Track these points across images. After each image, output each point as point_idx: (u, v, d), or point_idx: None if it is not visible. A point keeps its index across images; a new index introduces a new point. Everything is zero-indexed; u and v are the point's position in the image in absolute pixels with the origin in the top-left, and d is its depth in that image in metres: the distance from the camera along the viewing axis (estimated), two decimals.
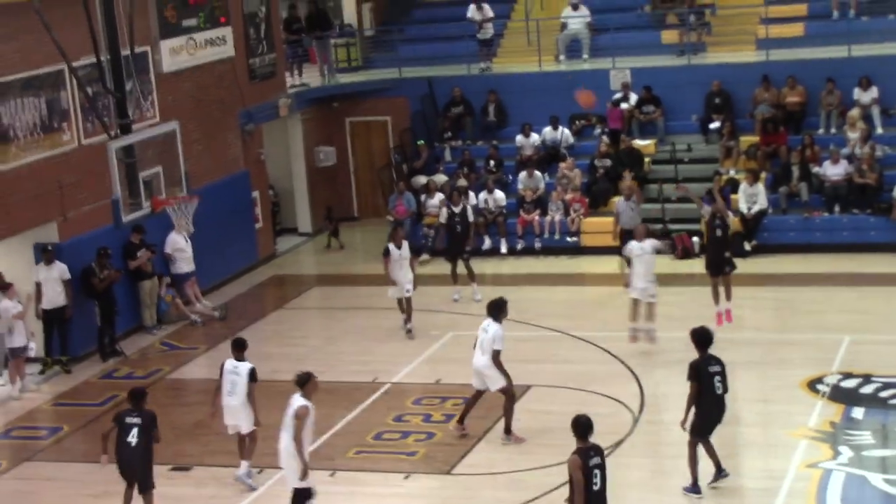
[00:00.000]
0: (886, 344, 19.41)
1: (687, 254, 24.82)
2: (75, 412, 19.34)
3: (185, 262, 23.55)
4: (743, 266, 23.96)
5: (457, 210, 23.04)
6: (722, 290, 20.12)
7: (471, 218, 23.25)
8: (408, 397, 18.69)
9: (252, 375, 15.73)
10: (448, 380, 19.21)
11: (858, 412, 16.65)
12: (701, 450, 14.61)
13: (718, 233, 20.15)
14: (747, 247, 24.57)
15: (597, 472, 12.35)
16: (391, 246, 21.42)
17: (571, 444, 16.20)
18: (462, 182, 26.73)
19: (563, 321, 21.47)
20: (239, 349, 15.91)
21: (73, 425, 18.82)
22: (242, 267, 26.22)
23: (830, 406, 16.98)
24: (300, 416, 13.97)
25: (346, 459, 16.70)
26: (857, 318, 20.55)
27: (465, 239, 23.06)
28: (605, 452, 15.86)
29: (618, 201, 23.80)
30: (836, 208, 24.80)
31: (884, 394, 17.25)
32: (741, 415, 16.94)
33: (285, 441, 14.16)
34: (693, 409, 14.48)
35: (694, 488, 14.61)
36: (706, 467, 14.75)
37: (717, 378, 14.50)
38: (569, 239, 26.02)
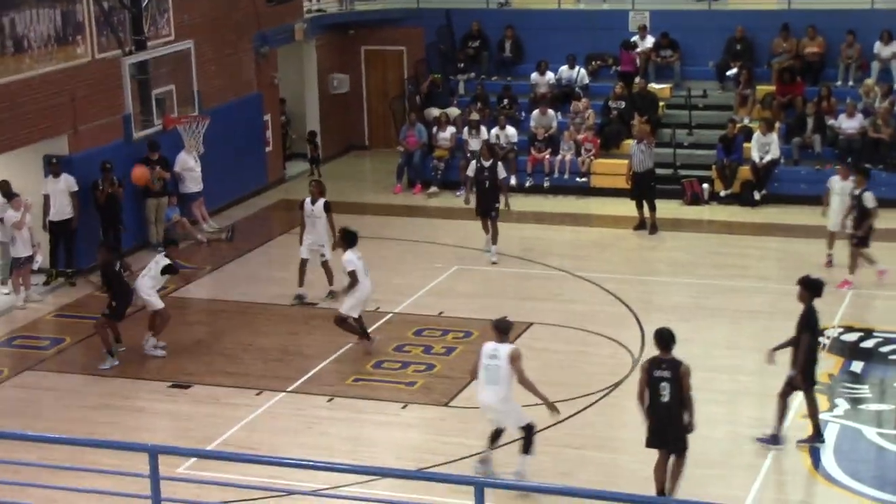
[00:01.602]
0: (889, 299, 19.42)
1: (696, 200, 24.76)
2: (78, 324, 19.42)
3: (193, 182, 23.55)
4: (752, 216, 23.99)
5: (486, 164, 21.45)
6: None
7: (501, 174, 21.51)
8: (409, 328, 18.74)
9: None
10: (450, 313, 19.24)
11: (857, 366, 16.69)
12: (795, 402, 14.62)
13: None
14: (757, 196, 24.51)
15: (664, 385, 12.64)
16: (306, 200, 20.05)
17: (569, 382, 16.35)
18: (474, 116, 26.65)
19: (568, 261, 21.48)
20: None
21: (76, 337, 18.91)
22: (251, 190, 26.20)
23: (830, 359, 17.00)
24: (517, 357, 13.52)
25: (345, 386, 16.78)
26: (860, 272, 20.52)
27: (495, 195, 21.47)
28: (604, 393, 16.06)
29: (631, 144, 23.72)
30: (849, 162, 24.69)
31: (884, 349, 17.28)
32: (742, 364, 16.98)
33: (499, 394, 13.50)
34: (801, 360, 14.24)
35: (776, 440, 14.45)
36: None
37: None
38: (578, 179, 25.95)
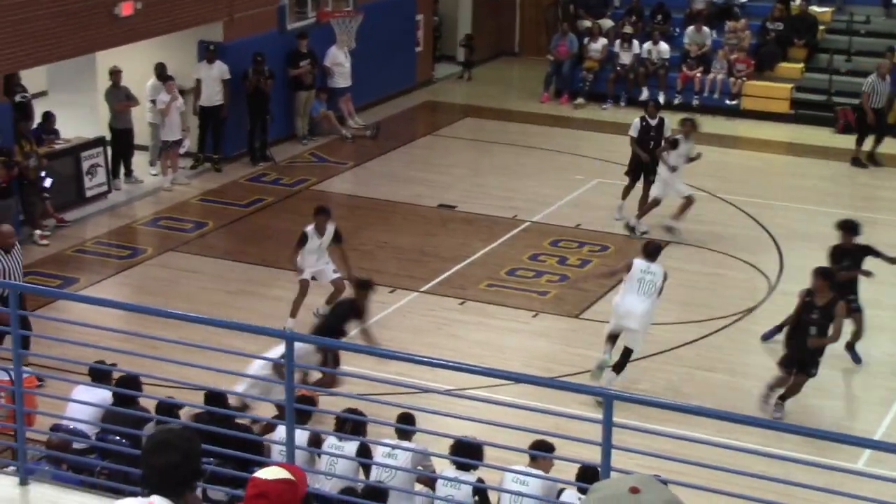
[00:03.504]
0: None
1: (849, 129, 24.15)
2: (221, 210, 19.81)
3: (342, 78, 23.69)
4: None
5: (653, 123, 19.23)
6: None
7: (667, 131, 19.22)
8: (546, 238, 18.73)
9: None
10: (588, 226, 19.18)
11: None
12: None
13: None
14: None
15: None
16: (310, 231, 15.62)
17: (702, 303, 16.22)
18: (627, 29, 26.29)
19: (711, 182, 21.17)
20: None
21: (218, 222, 19.30)
22: (398, 89, 26.26)
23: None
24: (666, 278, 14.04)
25: (478, 291, 16.88)
26: None
27: (656, 156, 18.98)
28: (737, 317, 15.91)
29: (871, 78, 22.67)
30: None
31: None
32: (881, 298, 16.68)
33: (648, 306, 13.87)
34: None
35: None
36: None
37: None
38: (728, 102, 25.48)
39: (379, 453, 10.51)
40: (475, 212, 19.64)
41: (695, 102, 25.55)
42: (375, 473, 10.44)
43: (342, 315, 13.79)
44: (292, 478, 4.80)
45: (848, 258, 14.80)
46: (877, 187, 21.49)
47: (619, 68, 25.92)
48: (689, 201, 18.69)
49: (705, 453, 9.68)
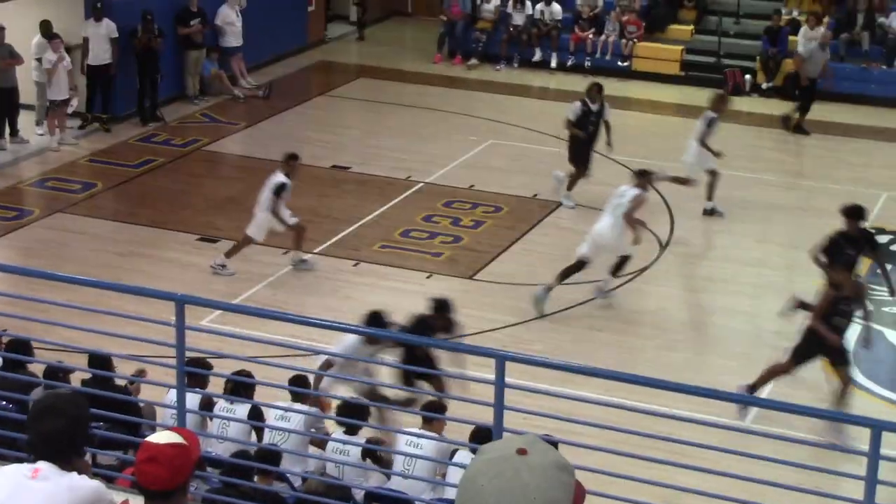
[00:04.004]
0: None
1: (738, 90, 24.48)
2: (110, 171, 19.51)
3: (233, 37, 23.43)
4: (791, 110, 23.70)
5: (594, 108, 18.37)
6: None
7: (608, 117, 18.49)
8: (439, 199, 18.74)
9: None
10: (481, 187, 19.23)
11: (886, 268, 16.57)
12: None
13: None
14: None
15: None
16: (284, 178, 15.86)
17: (595, 264, 16.33)
18: None
19: (604, 144, 21.29)
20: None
21: (107, 183, 19.01)
22: (290, 49, 26.04)
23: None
24: (640, 201, 15.48)
25: (372, 252, 16.85)
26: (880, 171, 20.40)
27: (592, 143, 18.51)
28: (629, 278, 16.09)
29: (812, 46, 22.78)
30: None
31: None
32: (769, 258, 16.97)
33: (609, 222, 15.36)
34: None
35: None
36: None
37: None
38: (620, 63, 25.65)
39: (271, 416, 10.47)
40: (369, 173, 19.59)
41: (587, 64, 25.70)
42: (268, 436, 10.40)
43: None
44: (184, 442, 4.75)
45: (852, 246, 14.33)
46: (760, 147, 21.81)
47: (511, 29, 25.95)
48: (714, 175, 18.38)
49: (599, 413, 9.76)
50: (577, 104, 18.31)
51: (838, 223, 16.46)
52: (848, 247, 14.30)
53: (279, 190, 15.69)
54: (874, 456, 6.70)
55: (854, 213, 14.42)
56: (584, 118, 18.19)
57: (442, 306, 12.63)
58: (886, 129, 22.52)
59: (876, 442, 6.68)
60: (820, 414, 11.13)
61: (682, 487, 7.92)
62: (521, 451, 3.27)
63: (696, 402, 10.93)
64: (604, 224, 15.33)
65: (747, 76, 24.67)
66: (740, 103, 23.85)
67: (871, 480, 6.71)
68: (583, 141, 18.24)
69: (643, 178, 15.71)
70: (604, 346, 14.50)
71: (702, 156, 18.20)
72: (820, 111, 23.54)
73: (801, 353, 12.68)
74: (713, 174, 18.26)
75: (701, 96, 23.47)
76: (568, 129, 18.36)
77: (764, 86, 24.61)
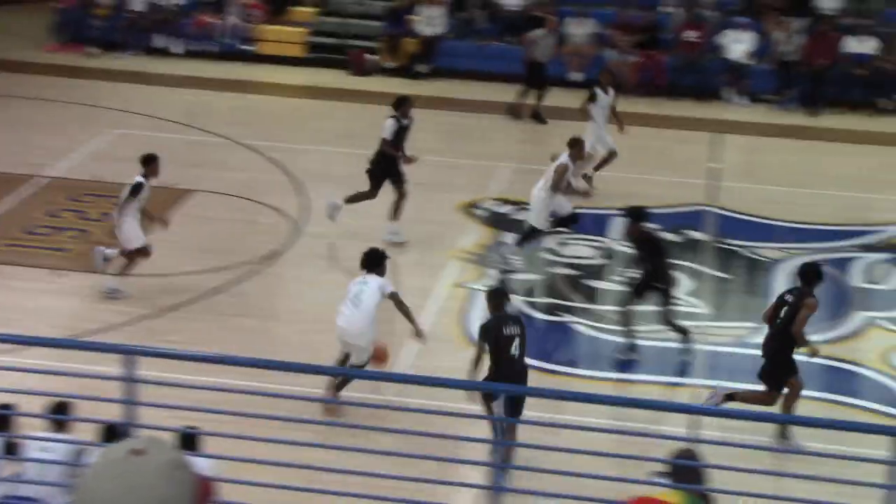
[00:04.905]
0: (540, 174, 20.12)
1: (362, 71, 24.86)
2: None
3: None
4: (416, 88, 24.28)
5: (405, 123, 17.02)
6: None
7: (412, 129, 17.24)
8: (64, 193, 18.15)
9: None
10: (111, 178, 18.71)
11: (509, 237, 17.26)
12: None
13: None
14: (423, 69, 24.81)
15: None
16: (143, 179, 15.20)
17: (227, 250, 16.22)
18: None
19: (232, 129, 21.21)
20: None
21: None
22: None
23: (484, 229, 17.57)
24: (561, 171, 16.09)
25: None
26: (518, 147, 21.23)
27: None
28: (266, 262, 16.08)
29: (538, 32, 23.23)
30: (510, 38, 25.32)
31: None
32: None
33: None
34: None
35: None
36: None
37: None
38: (245, 47, 25.50)
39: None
40: None
41: (213, 49, 25.42)
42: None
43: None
44: None
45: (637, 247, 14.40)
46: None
47: (131, 15, 25.36)
48: (612, 155, 18.72)
49: (240, 400, 9.69)
50: (391, 121, 16.83)
51: (462, 196, 17.07)
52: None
53: (136, 190, 14.85)
54: None
55: (634, 214, 14.50)
56: (399, 134, 16.87)
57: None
58: (505, 104, 23.27)
59: None
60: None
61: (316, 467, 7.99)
62: (137, 452, 3.25)
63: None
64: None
65: (371, 56, 25.07)
66: (366, 83, 24.27)
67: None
68: (393, 159, 16.85)
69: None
70: (242, 334, 14.42)
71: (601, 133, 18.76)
72: (442, 88, 24.25)
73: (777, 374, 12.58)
74: (611, 154, 18.92)
75: (328, 78, 23.81)
76: (385, 149, 16.77)
77: (387, 65, 25.06)
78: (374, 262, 12.90)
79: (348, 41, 25.46)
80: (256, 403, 9.65)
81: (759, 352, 12.63)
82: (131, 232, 14.95)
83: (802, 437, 11.96)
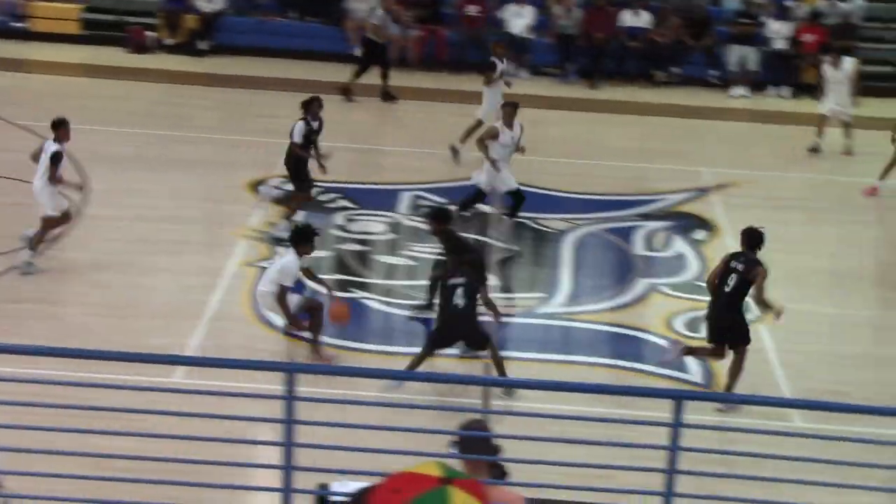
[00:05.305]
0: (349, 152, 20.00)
1: (141, 48, 24.35)
2: None
3: None
4: (197, 65, 23.97)
5: (315, 125, 16.80)
6: None
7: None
8: None
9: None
10: None
11: (299, 215, 17.11)
12: None
13: None
14: (204, 46, 24.43)
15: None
16: (60, 147, 15.12)
17: (4, 234, 15.68)
18: None
19: (7, 109, 20.47)
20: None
21: None
22: None
23: (271, 207, 17.42)
24: (493, 135, 16.82)
25: None
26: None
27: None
28: (49, 245, 15.58)
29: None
30: (291, 14, 25.14)
31: (322, 198, 17.85)
32: (185, 213, 17.05)
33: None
34: None
35: None
36: None
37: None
38: (16, 24, 24.66)
39: None
40: None
41: None
42: None
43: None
44: None
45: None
46: (174, 105, 21.81)
47: None
48: (478, 124, 18.92)
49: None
50: (301, 124, 16.58)
51: (248, 174, 16.85)
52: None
53: (56, 159, 14.76)
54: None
55: (437, 215, 14.33)
56: (309, 136, 16.64)
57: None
58: (289, 80, 23.10)
59: None
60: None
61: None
62: None
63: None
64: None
65: (150, 33, 24.55)
66: (145, 61, 23.77)
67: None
68: (304, 161, 16.70)
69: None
70: (29, 319, 13.96)
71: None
72: (224, 65, 23.94)
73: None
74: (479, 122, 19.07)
75: (105, 56, 23.19)
76: (296, 152, 16.61)
77: (167, 42, 24.58)
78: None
79: (126, 18, 24.86)
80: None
81: (555, 322, 12.85)
82: (53, 199, 14.96)
83: (592, 403, 12.21)
